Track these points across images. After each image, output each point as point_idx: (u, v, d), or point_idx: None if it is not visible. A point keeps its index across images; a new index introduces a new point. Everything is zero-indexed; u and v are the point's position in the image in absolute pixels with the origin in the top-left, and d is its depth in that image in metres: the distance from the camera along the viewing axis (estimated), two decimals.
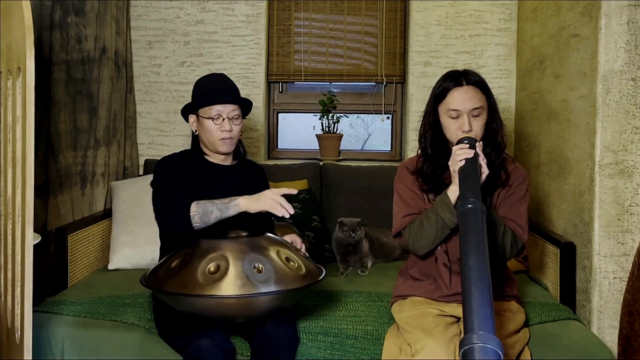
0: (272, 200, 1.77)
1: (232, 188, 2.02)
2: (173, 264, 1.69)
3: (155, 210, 1.90)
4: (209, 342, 1.71)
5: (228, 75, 3.31)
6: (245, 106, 2.07)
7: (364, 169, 2.99)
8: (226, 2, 3.17)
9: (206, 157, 2.06)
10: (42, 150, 2.56)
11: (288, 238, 1.94)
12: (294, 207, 2.68)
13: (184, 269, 1.65)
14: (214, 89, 2.00)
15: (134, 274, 2.38)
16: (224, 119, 1.97)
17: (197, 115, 2.01)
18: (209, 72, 3.11)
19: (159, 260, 1.95)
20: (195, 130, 2.04)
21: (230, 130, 1.98)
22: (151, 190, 1.98)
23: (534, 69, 2.81)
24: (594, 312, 2.12)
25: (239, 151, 2.13)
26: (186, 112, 2.05)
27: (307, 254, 1.89)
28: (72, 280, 2.39)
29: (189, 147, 2.13)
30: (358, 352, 1.94)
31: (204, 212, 1.78)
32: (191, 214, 1.78)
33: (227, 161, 2.08)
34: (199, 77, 3.11)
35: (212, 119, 1.97)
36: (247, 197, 1.80)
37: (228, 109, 1.98)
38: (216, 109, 1.97)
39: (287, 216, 1.76)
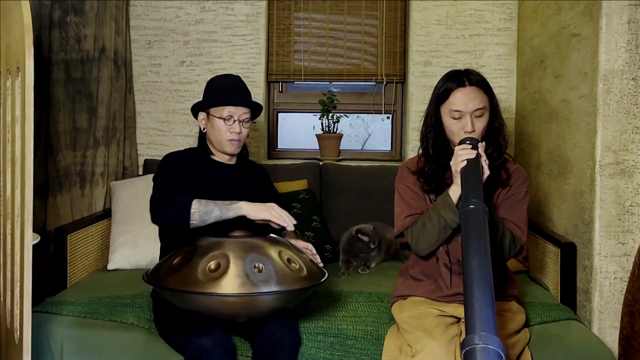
0: (277, 212, 1.84)
1: (235, 187, 2.04)
2: (175, 261, 1.70)
3: (152, 203, 1.90)
4: (211, 341, 1.71)
5: None
6: (256, 110, 2.09)
7: (364, 169, 2.99)
8: (226, 1, 3.16)
9: (211, 156, 2.08)
10: (41, 150, 2.55)
11: (301, 245, 1.94)
12: (293, 207, 2.72)
13: (184, 266, 1.65)
14: (228, 90, 2.01)
15: (133, 274, 2.38)
16: (234, 121, 1.99)
17: (208, 114, 2.02)
18: (208, 72, 3.15)
19: (160, 259, 1.95)
20: (204, 128, 2.05)
21: (239, 133, 2.00)
22: (151, 187, 1.98)
23: (534, 69, 2.81)
24: (594, 313, 2.12)
25: (241, 152, 2.14)
26: (196, 109, 2.06)
27: (320, 262, 1.90)
28: (72, 280, 2.38)
29: (188, 147, 2.14)
30: (358, 352, 1.94)
31: (205, 210, 1.80)
32: (192, 211, 1.79)
33: (232, 161, 2.11)
34: (198, 77, 3.15)
35: (224, 119, 1.98)
36: (250, 203, 1.85)
37: (240, 112, 2.00)
38: (228, 110, 1.99)
39: (290, 228, 1.84)
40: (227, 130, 1.99)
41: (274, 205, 1.86)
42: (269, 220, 1.85)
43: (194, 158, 2.05)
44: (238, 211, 1.83)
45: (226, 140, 2.00)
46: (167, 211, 1.84)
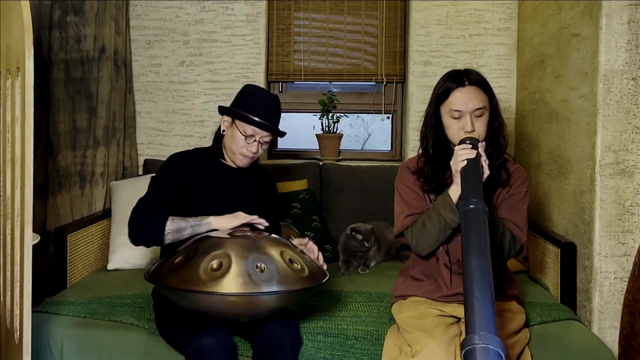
0: (245, 218, 1.87)
1: (239, 188, 2.04)
2: (177, 260, 1.70)
3: (135, 212, 1.90)
4: (212, 341, 1.71)
5: (227, 75, 3.29)
6: (279, 135, 2.09)
7: (364, 169, 2.99)
8: (226, 1, 3.16)
9: (221, 158, 2.08)
10: (41, 150, 2.55)
11: (296, 242, 1.94)
12: (293, 207, 2.72)
13: (186, 265, 1.65)
14: (261, 111, 1.98)
15: (133, 274, 2.39)
16: (255, 140, 1.99)
17: (233, 121, 2.01)
18: (208, 72, 3.15)
19: (160, 258, 1.95)
20: (224, 130, 2.05)
21: (255, 152, 2.00)
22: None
23: (534, 69, 2.81)
24: (594, 313, 2.12)
25: None
26: (223, 111, 2.06)
27: (323, 260, 1.90)
28: (72, 280, 2.38)
29: (188, 148, 2.13)
30: (358, 352, 1.93)
31: (177, 229, 1.84)
32: (165, 232, 1.83)
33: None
34: (198, 77, 3.15)
35: (245, 136, 1.97)
36: (218, 217, 1.87)
37: (263, 133, 1.99)
38: (253, 129, 1.97)
39: (262, 227, 1.89)
40: (244, 147, 1.98)
41: (239, 213, 1.89)
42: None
43: (202, 158, 2.05)
44: (209, 226, 1.85)
45: (239, 154, 2.00)
46: (142, 233, 1.87)
